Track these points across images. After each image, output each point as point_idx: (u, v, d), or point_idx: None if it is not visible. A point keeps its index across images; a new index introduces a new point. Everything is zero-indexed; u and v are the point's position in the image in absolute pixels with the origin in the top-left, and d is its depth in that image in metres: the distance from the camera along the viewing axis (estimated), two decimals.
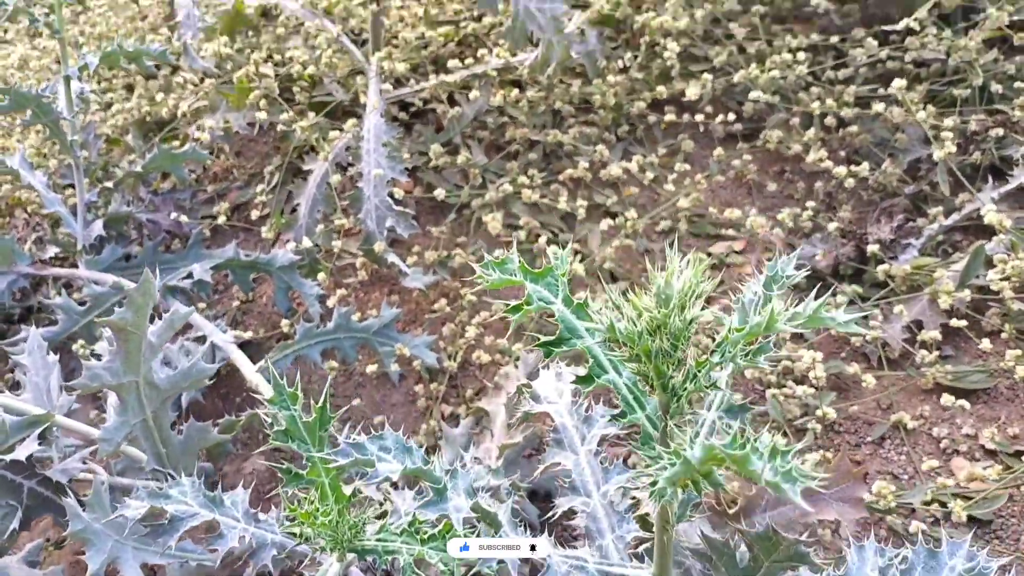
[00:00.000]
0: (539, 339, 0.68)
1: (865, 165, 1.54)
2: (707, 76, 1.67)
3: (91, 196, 1.76)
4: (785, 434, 1.34)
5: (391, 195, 1.57)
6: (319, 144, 1.63)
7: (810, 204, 1.56)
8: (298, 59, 1.72)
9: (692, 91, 1.63)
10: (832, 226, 1.50)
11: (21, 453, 1.14)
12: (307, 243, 1.54)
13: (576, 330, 0.68)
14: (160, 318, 1.15)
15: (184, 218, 1.68)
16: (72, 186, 1.87)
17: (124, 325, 1.05)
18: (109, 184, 1.79)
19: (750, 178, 1.72)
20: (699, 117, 1.67)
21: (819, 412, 1.28)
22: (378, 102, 1.62)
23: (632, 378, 0.67)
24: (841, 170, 1.52)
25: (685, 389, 0.63)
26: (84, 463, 1.24)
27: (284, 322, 1.53)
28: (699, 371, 0.63)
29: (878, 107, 1.52)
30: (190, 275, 1.61)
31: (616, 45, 1.93)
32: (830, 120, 1.64)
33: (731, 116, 1.70)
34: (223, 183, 1.94)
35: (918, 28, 1.53)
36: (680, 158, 1.77)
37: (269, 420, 0.91)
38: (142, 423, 1.16)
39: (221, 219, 1.72)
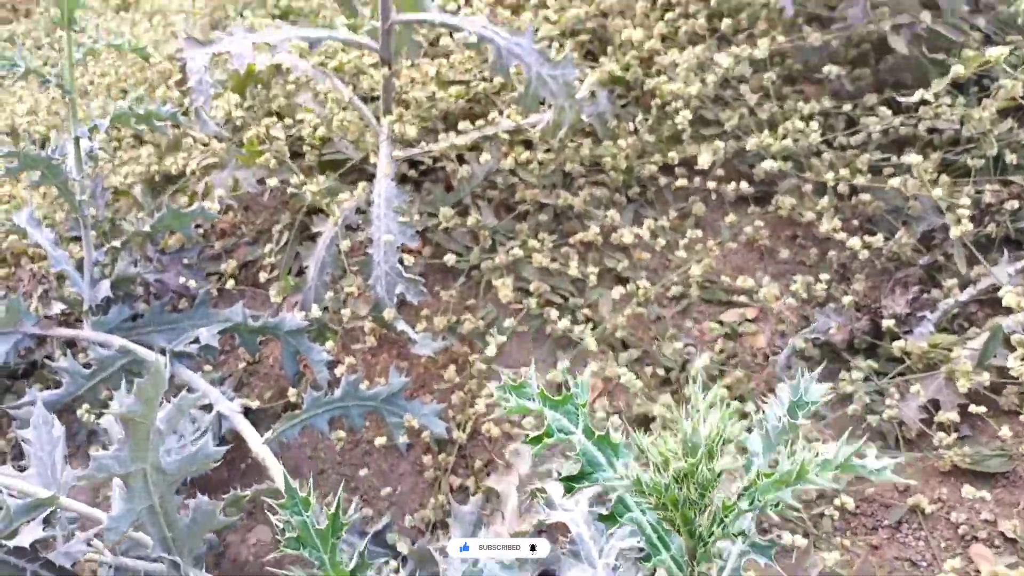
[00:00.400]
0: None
1: (879, 237, 1.53)
2: (719, 143, 1.66)
3: (98, 255, 1.75)
4: (801, 518, 1.31)
5: (401, 261, 1.55)
6: (329, 208, 1.62)
7: (824, 277, 1.55)
8: (309, 122, 1.72)
9: (704, 159, 1.63)
10: (847, 299, 1.48)
11: (25, 539, 1.12)
12: (316, 312, 1.53)
13: (598, 463, 0.66)
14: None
15: (192, 283, 1.67)
16: (79, 238, 1.87)
17: (133, 416, 1.03)
18: (117, 243, 1.79)
19: (762, 243, 1.70)
20: (711, 184, 1.66)
21: (837, 501, 1.26)
22: (389, 168, 1.61)
23: (657, 518, 0.65)
24: (855, 242, 1.51)
25: (712, 534, 0.61)
26: (88, 544, 1.22)
27: (291, 391, 1.51)
28: (726, 516, 0.61)
29: (893, 182, 1.51)
30: (197, 340, 1.60)
31: (626, 102, 1.92)
32: (843, 187, 1.63)
33: (743, 182, 1.69)
34: (231, 238, 1.93)
35: (932, 100, 1.52)
36: (691, 222, 1.76)
37: (280, 527, 0.89)
38: (148, 508, 1.14)
39: (229, 283, 1.70)
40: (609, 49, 1.93)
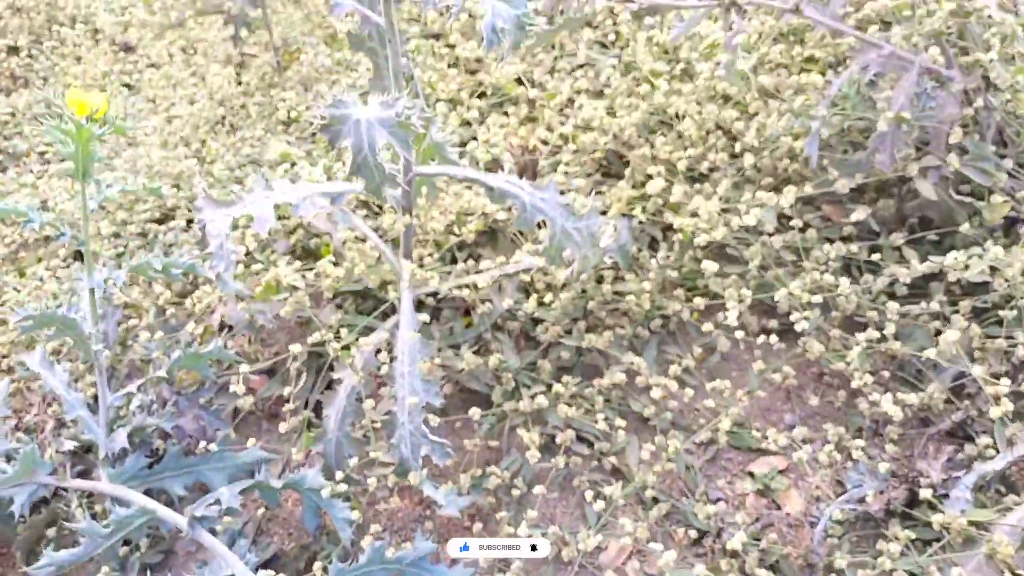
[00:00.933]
0: None
1: (911, 395, 1.51)
2: (745, 291, 1.64)
3: (114, 399, 1.72)
4: None
5: (426, 421, 1.53)
6: (353, 367, 1.59)
7: (855, 431, 1.53)
8: (327, 272, 1.69)
9: (731, 315, 1.60)
10: (883, 466, 1.45)
11: None
12: (341, 485, 1.50)
13: None
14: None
15: (213, 446, 1.64)
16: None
17: None
18: (132, 388, 1.75)
19: (789, 383, 1.68)
20: (739, 334, 1.63)
21: None
22: (412, 320, 1.58)
23: None
24: (888, 405, 1.48)
25: None
26: None
27: (316, 565, 1.48)
28: None
29: (929, 353, 1.49)
30: (218, 500, 1.57)
31: (643, 220, 1.90)
32: (872, 332, 1.60)
33: (768, 320, 1.67)
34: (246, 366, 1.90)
35: (964, 258, 1.50)
36: (716, 357, 1.75)
37: None
38: None
39: (251, 443, 1.67)
40: (627, 172, 1.91)
